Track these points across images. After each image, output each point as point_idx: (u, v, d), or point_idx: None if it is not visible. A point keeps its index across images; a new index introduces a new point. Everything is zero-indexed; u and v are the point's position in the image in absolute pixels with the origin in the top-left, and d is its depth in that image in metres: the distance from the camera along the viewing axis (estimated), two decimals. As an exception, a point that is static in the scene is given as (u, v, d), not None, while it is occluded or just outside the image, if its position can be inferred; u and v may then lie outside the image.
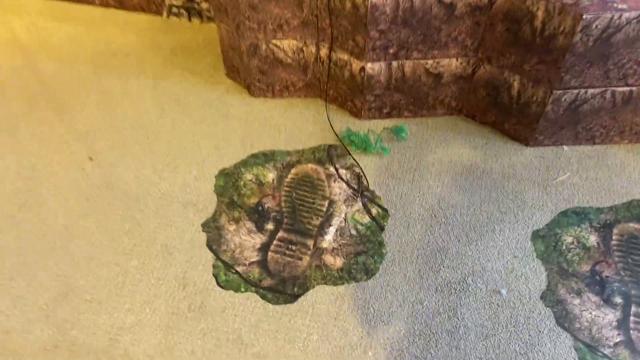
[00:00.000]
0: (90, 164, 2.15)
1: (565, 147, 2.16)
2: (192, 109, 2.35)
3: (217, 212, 1.98)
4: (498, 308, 1.75)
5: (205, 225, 1.95)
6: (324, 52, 2.12)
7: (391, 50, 1.98)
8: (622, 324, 1.69)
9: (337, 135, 2.22)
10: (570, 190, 2.04)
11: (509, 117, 2.13)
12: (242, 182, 2.07)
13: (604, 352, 1.63)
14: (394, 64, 2.04)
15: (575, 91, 1.92)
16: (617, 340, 1.67)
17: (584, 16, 1.66)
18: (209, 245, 1.90)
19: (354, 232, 1.92)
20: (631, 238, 1.89)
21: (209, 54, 2.57)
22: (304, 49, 2.13)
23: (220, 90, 2.41)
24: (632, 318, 1.70)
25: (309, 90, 2.33)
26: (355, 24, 1.91)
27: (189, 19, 2.64)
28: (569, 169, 2.10)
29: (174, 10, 2.62)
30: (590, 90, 1.92)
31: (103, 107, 2.39)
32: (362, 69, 2.05)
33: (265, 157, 2.16)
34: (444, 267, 1.84)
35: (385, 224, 1.95)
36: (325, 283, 1.81)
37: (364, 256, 1.86)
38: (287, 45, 2.12)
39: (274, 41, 2.11)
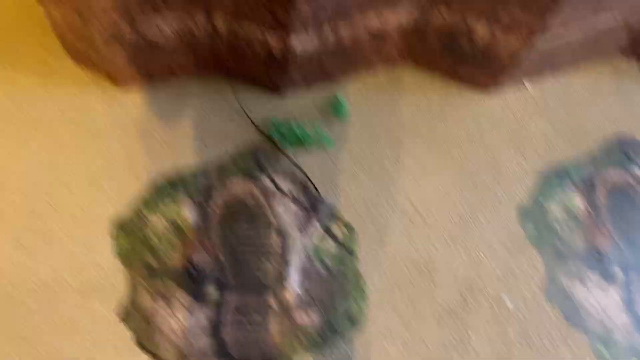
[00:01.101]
0: None
1: (527, 85, 1.81)
2: (39, 129, 1.59)
3: (133, 290, 1.43)
4: (506, 322, 1.52)
5: (123, 316, 1.41)
6: (220, 23, 1.46)
7: (324, 18, 1.40)
8: (628, 303, 1.56)
9: (259, 129, 1.65)
10: (544, 142, 1.75)
11: (467, 64, 1.70)
12: (153, 235, 1.49)
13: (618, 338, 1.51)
14: (329, 34, 1.46)
15: (559, 33, 1.52)
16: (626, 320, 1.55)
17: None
18: (140, 344, 1.39)
19: (322, 269, 1.51)
20: (618, 192, 1.70)
21: (34, 29, 1.68)
22: (191, 25, 1.44)
23: (70, 88, 1.63)
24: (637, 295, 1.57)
25: (202, 68, 1.67)
26: (272, -8, 1.28)
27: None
28: (538, 113, 1.79)
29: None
30: (574, 33, 1.54)
31: None
32: (284, 44, 1.45)
33: (172, 186, 1.56)
34: (435, 286, 1.53)
35: (354, 247, 1.55)
36: (308, 351, 1.43)
37: (343, 300, 1.48)
38: (164, 23, 1.41)
39: (143, 22, 1.39)
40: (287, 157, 1.62)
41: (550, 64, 1.73)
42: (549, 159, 1.72)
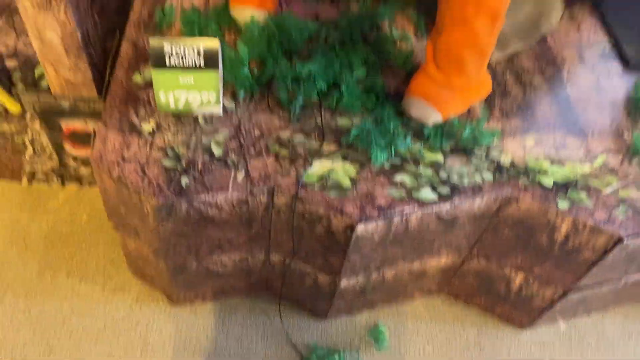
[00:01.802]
0: None
1: (561, 324, 1.87)
2: (92, 341, 1.67)
3: None
4: None
5: None
6: (277, 258, 1.59)
7: (372, 265, 1.52)
8: None
9: (300, 354, 1.71)
10: (582, 387, 1.76)
11: (503, 303, 1.78)
12: None
13: None
14: (374, 274, 1.58)
15: (590, 290, 1.62)
16: None
17: (625, 242, 1.34)
18: None
19: None
20: None
21: (101, 240, 1.87)
22: (249, 258, 1.58)
23: (127, 302, 1.75)
24: None
25: (251, 288, 1.78)
26: (330, 247, 1.42)
27: (62, 184, 1.92)
28: (573, 355, 1.81)
29: (40, 176, 1.88)
30: (606, 286, 1.63)
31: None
32: (333, 283, 1.57)
33: (211, 410, 1.58)
34: None
35: None
36: None
37: None
38: (227, 259, 1.56)
39: (208, 258, 1.53)
40: (326, 386, 1.65)
41: (583, 308, 1.80)
42: (589, 406, 1.71)
